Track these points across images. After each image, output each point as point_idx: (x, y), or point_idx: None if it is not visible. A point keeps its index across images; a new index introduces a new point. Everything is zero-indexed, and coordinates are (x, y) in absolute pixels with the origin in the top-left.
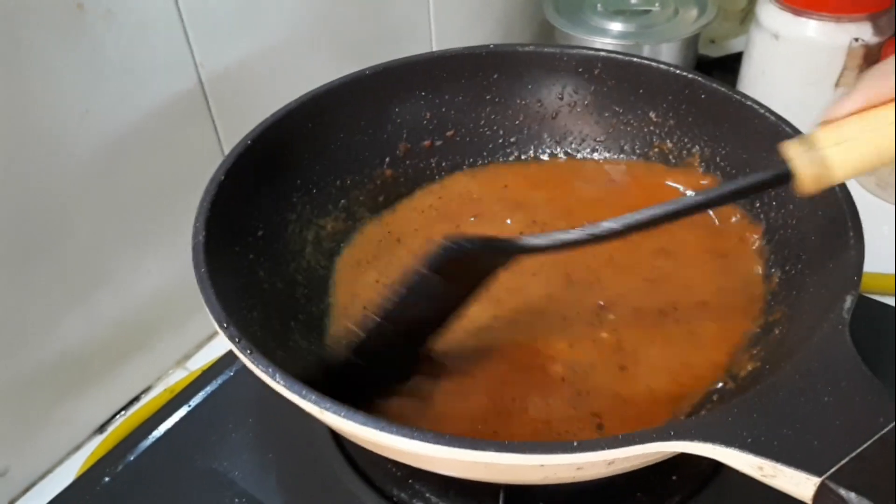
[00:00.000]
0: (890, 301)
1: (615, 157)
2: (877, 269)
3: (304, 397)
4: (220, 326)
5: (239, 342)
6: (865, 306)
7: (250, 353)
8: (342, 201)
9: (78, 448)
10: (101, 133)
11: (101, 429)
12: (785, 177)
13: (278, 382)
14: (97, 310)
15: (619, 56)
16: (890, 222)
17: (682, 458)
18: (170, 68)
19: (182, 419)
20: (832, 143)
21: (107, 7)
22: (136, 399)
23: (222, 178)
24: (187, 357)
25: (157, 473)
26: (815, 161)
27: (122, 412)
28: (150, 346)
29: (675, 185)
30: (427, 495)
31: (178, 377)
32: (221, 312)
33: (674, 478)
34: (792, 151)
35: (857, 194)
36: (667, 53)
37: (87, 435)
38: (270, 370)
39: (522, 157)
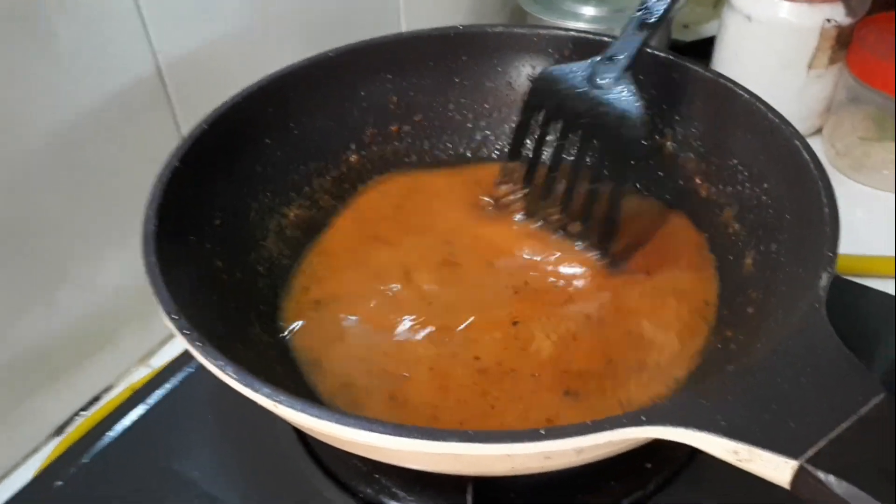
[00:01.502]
0: (863, 283)
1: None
2: (850, 251)
3: (256, 391)
4: (170, 318)
5: (189, 334)
6: (843, 289)
7: (200, 346)
8: (306, 188)
9: (35, 451)
10: (54, 122)
11: (60, 430)
12: None
13: (230, 376)
14: (57, 307)
15: (590, 36)
16: (863, 205)
17: (657, 444)
18: (125, 55)
19: (140, 418)
20: None
21: None
22: (97, 398)
23: (176, 164)
24: (151, 354)
25: (113, 476)
26: None
27: (82, 412)
28: (112, 342)
29: None
30: (394, 490)
31: (141, 375)
32: (171, 303)
33: (648, 465)
34: None
35: (832, 178)
36: None
37: (44, 437)
38: (220, 363)
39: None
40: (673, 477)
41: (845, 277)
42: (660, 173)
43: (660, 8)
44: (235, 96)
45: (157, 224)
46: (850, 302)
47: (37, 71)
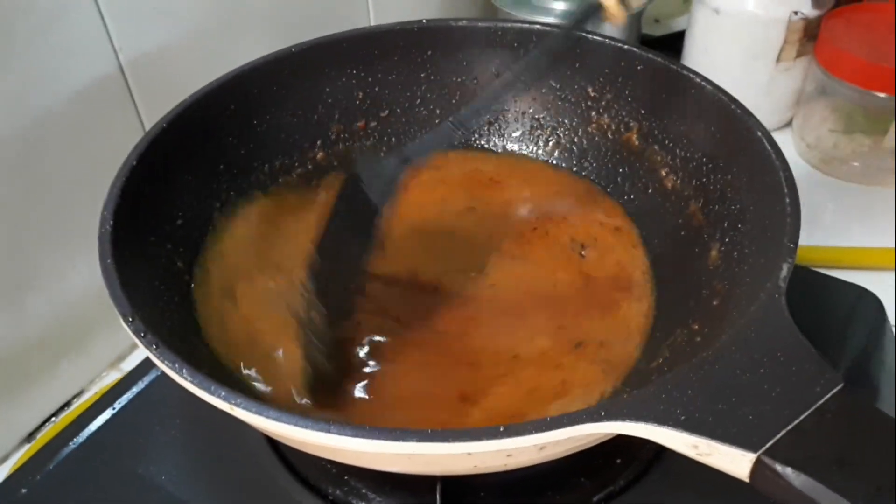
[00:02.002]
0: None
1: (552, 137)
2: (822, 243)
3: (213, 393)
4: (125, 320)
5: (144, 336)
6: (813, 280)
7: (156, 348)
8: (271, 187)
9: (5, 459)
10: (14, 123)
11: (30, 437)
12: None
13: (185, 378)
14: (25, 311)
15: (552, 29)
16: (834, 198)
17: (626, 440)
18: (86, 53)
19: (106, 423)
20: None
21: None
22: (68, 404)
23: (134, 163)
24: (122, 358)
25: (80, 482)
26: None
27: (53, 418)
28: (82, 347)
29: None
30: (364, 492)
31: (112, 379)
32: (127, 305)
33: (618, 461)
34: None
35: (802, 171)
36: (609, 32)
37: (14, 444)
38: (177, 365)
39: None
40: (643, 472)
41: (816, 269)
42: (626, 167)
43: (472, 123)
44: (195, 94)
45: (113, 225)
46: (820, 293)
47: None
